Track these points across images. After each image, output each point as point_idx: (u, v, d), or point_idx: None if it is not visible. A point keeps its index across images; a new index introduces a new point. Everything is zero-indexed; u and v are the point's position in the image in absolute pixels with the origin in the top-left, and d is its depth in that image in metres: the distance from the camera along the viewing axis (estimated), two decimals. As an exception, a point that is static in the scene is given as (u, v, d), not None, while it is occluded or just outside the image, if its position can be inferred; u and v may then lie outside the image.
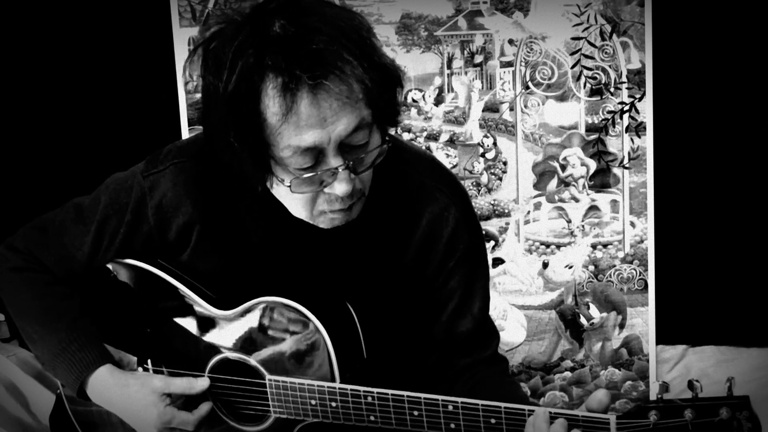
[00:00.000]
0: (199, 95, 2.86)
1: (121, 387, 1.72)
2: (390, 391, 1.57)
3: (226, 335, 1.71)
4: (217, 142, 1.53)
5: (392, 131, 1.65)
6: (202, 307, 1.73)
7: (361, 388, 1.59)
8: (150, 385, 1.72)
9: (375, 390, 1.58)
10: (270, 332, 1.67)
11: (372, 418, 1.60)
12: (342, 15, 1.50)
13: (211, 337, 1.73)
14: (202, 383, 1.72)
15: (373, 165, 1.55)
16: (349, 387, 1.60)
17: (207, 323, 1.73)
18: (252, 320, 1.68)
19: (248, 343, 1.69)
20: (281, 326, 1.66)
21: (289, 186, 1.51)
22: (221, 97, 1.47)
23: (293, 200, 1.56)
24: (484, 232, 1.84)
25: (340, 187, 1.51)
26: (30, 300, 1.78)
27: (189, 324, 1.75)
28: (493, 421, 1.49)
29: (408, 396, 1.55)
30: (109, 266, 1.79)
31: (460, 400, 1.52)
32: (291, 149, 1.47)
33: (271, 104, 1.44)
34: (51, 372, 1.79)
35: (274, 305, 1.66)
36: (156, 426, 1.69)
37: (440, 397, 1.53)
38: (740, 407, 1.32)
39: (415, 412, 1.55)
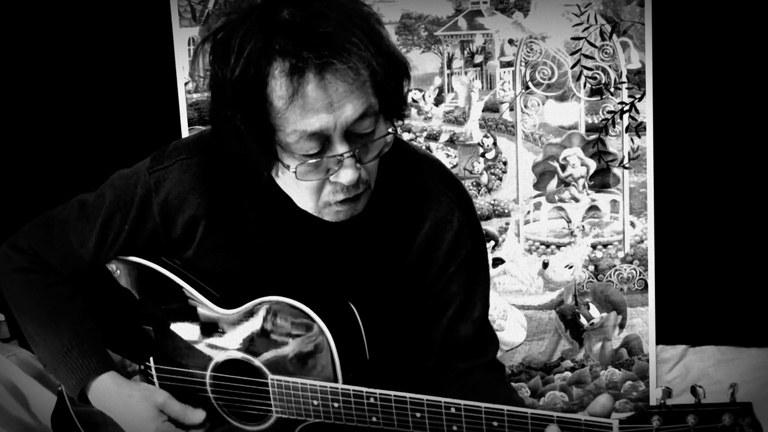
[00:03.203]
0: (199, 95, 2.91)
1: (123, 397, 1.72)
2: (392, 393, 1.57)
3: (230, 334, 1.71)
4: (225, 130, 1.53)
5: (398, 127, 1.65)
6: (206, 305, 1.73)
7: (364, 389, 1.59)
8: (152, 398, 1.71)
9: (377, 391, 1.58)
10: (273, 332, 1.67)
11: (374, 419, 1.60)
12: (350, 3, 1.50)
13: (214, 336, 1.73)
14: (196, 416, 1.72)
15: (378, 156, 1.55)
16: (352, 388, 1.60)
17: (211, 322, 1.73)
18: (256, 320, 1.68)
19: (251, 342, 1.69)
20: (285, 326, 1.65)
21: (295, 172, 1.50)
22: (228, 83, 1.46)
23: (299, 190, 1.56)
24: (484, 233, 1.84)
25: (345, 175, 1.50)
26: (33, 301, 1.78)
27: (192, 322, 1.75)
28: (495, 424, 1.49)
29: (411, 397, 1.55)
30: (113, 264, 1.79)
31: (463, 402, 1.51)
32: (297, 134, 1.47)
33: (278, 87, 1.44)
34: (53, 375, 1.80)
35: (278, 305, 1.66)
36: None
37: (443, 399, 1.53)
38: (743, 413, 1.32)
39: (418, 414, 1.55)
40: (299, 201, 1.59)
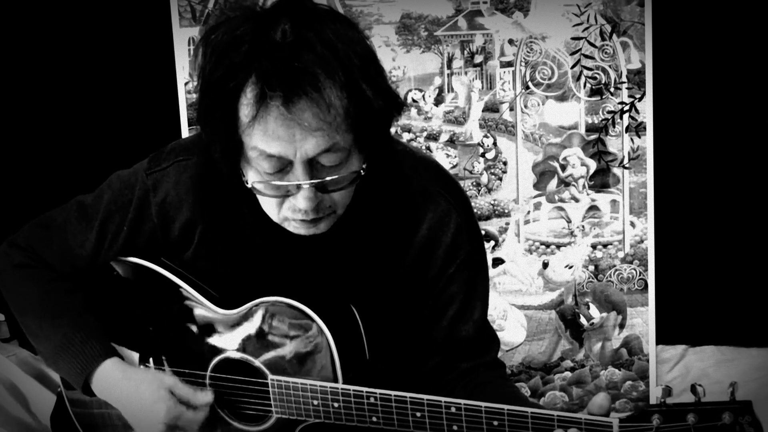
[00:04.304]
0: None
1: (130, 381, 1.71)
2: (392, 392, 1.57)
3: (229, 335, 1.71)
4: (202, 122, 1.56)
5: (394, 135, 1.65)
6: (206, 306, 1.73)
7: (364, 389, 1.59)
8: (161, 380, 1.71)
9: (377, 391, 1.58)
10: (273, 332, 1.67)
11: (374, 419, 1.60)
12: (345, 36, 1.48)
13: (213, 336, 1.73)
14: (204, 397, 1.71)
15: (348, 186, 1.55)
16: (352, 388, 1.60)
17: (210, 322, 1.73)
18: (255, 320, 1.68)
19: (251, 342, 1.69)
20: (284, 326, 1.66)
21: (252, 187, 1.53)
22: (206, 83, 1.49)
23: (264, 202, 1.58)
24: (484, 233, 1.84)
25: (302, 202, 1.52)
26: (33, 296, 1.78)
27: (192, 323, 1.75)
28: (495, 423, 1.49)
29: (411, 397, 1.55)
30: (112, 264, 1.79)
31: (463, 402, 1.51)
32: (257, 151, 1.48)
33: (245, 105, 1.45)
34: (54, 368, 1.79)
35: (277, 305, 1.66)
36: (163, 421, 1.67)
37: (443, 399, 1.53)
38: (743, 412, 1.33)
39: (418, 414, 1.55)
40: (264, 208, 1.60)
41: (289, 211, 1.55)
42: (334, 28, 1.47)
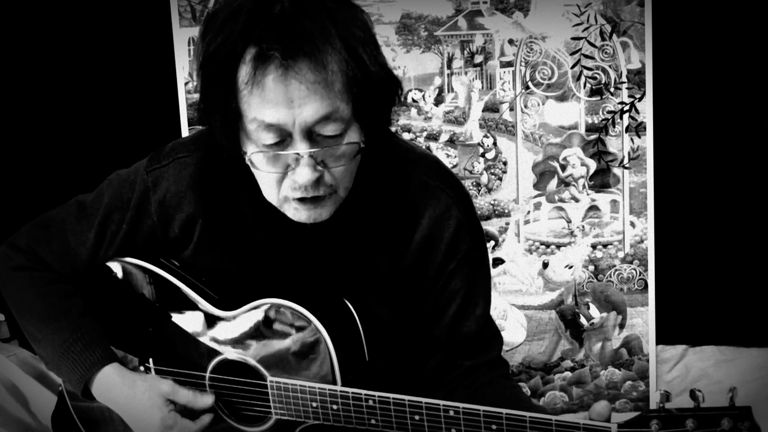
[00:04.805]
0: (199, 95, 2.90)
1: (128, 387, 1.72)
2: (391, 395, 1.57)
3: (228, 336, 1.71)
4: (203, 108, 1.55)
5: (393, 129, 1.65)
6: (205, 307, 1.73)
7: (362, 392, 1.59)
8: (157, 388, 1.71)
9: (376, 394, 1.58)
10: (272, 334, 1.67)
11: (373, 421, 1.60)
12: (345, 10, 1.50)
13: (212, 337, 1.73)
14: (206, 400, 1.71)
15: (348, 163, 1.54)
16: (351, 390, 1.60)
17: (209, 323, 1.73)
18: (254, 322, 1.68)
19: (250, 344, 1.69)
20: (283, 328, 1.66)
21: (250, 160, 1.52)
22: (205, 56, 1.49)
23: (264, 182, 1.57)
24: (483, 230, 1.84)
25: (301, 174, 1.50)
26: (33, 298, 1.78)
27: (191, 324, 1.75)
28: (494, 427, 1.49)
29: (409, 400, 1.55)
30: (111, 265, 1.80)
31: (461, 405, 1.51)
32: (256, 122, 1.48)
33: (243, 72, 1.45)
34: (55, 371, 1.79)
35: (276, 307, 1.66)
36: (157, 429, 1.69)
37: (441, 402, 1.53)
38: (742, 417, 1.33)
39: (416, 417, 1.55)
40: (265, 192, 1.60)
41: (289, 189, 1.54)
42: (332, 5, 1.48)
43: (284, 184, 1.54)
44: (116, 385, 1.73)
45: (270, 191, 1.58)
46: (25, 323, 1.80)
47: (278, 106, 1.45)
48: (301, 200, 1.55)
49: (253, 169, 1.57)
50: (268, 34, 1.43)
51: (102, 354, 1.74)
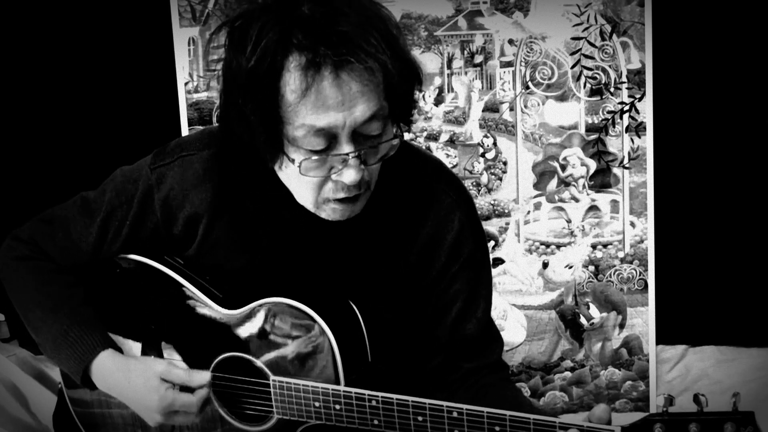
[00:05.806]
0: (199, 95, 2.90)
1: (124, 371, 1.71)
2: (395, 396, 1.57)
3: (231, 334, 1.71)
4: (234, 119, 1.53)
5: (405, 132, 1.65)
6: (208, 305, 1.73)
7: (366, 392, 1.59)
8: (152, 369, 1.70)
9: (380, 394, 1.58)
10: (275, 333, 1.67)
11: (376, 422, 1.60)
12: (368, 3, 1.50)
13: (215, 335, 1.73)
14: (201, 377, 1.70)
15: (383, 159, 1.55)
16: (354, 390, 1.60)
17: (212, 322, 1.73)
18: (257, 320, 1.68)
19: (253, 342, 1.69)
20: (287, 327, 1.66)
21: (299, 167, 1.51)
22: (243, 71, 1.47)
23: (300, 184, 1.56)
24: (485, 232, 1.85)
25: (348, 175, 1.51)
26: (34, 287, 1.78)
27: (194, 322, 1.75)
28: (497, 429, 1.49)
29: (413, 401, 1.55)
30: (116, 260, 1.80)
31: (465, 407, 1.51)
32: (305, 128, 1.47)
33: (292, 81, 1.44)
34: (54, 360, 1.79)
35: (280, 306, 1.66)
36: (158, 410, 1.68)
37: (445, 404, 1.53)
38: (745, 422, 1.33)
39: (420, 418, 1.55)
40: (298, 195, 1.59)
41: (331, 191, 1.55)
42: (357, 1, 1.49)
43: (326, 187, 1.55)
44: (112, 370, 1.72)
45: (308, 195, 1.57)
46: (25, 312, 1.79)
47: (330, 110, 1.45)
48: (342, 200, 1.56)
49: (286, 176, 1.58)
50: (309, 40, 1.43)
51: (98, 338, 1.74)
